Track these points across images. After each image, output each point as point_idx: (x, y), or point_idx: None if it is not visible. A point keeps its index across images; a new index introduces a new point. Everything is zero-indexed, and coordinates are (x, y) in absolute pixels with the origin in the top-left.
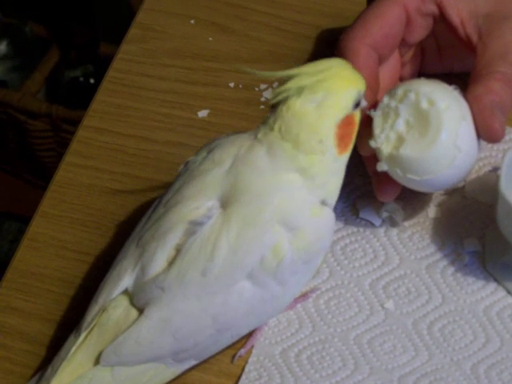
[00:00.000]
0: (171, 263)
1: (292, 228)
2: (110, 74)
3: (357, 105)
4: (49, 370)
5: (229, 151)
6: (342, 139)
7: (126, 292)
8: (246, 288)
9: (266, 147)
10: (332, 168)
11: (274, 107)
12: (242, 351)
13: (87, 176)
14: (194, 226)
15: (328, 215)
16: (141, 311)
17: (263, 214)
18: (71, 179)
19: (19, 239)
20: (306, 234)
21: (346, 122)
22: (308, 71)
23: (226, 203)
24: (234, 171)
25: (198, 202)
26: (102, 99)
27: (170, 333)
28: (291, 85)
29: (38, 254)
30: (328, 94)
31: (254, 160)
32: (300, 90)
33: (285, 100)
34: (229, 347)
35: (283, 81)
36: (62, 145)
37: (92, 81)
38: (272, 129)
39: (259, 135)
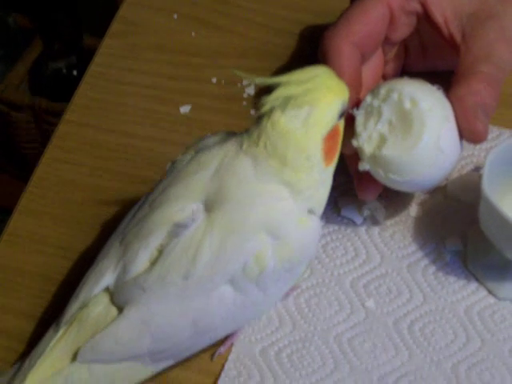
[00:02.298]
0: (153, 264)
1: (277, 237)
2: (92, 68)
3: (341, 114)
4: (26, 364)
5: (214, 155)
6: (328, 152)
7: (107, 290)
8: (227, 293)
9: (251, 159)
10: (319, 180)
11: (259, 118)
12: (222, 349)
13: (68, 171)
14: (178, 228)
15: (315, 225)
16: (120, 310)
17: (247, 221)
18: (52, 174)
19: (0, 229)
20: (290, 244)
21: (332, 134)
22: (295, 80)
23: (210, 207)
24: (218, 177)
25: (183, 203)
26: (84, 93)
27: (148, 333)
28: (278, 94)
29: (18, 249)
30: (313, 108)
31: (238, 169)
32: (286, 102)
33: (269, 113)
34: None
35: (270, 87)
36: (45, 137)
37: (75, 73)
38: (257, 144)
39: (244, 146)
